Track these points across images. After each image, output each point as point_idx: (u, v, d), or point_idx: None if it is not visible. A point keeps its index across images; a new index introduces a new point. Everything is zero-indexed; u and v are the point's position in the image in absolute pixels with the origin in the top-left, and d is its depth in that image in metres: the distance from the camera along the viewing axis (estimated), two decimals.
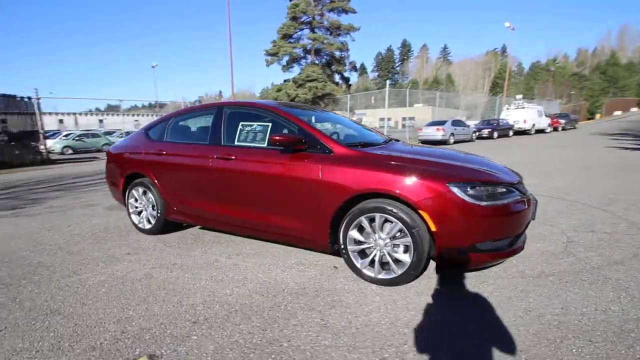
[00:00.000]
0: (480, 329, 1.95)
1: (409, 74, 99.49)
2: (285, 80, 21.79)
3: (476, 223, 2.21)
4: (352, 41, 20.17)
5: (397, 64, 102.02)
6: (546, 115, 24.79)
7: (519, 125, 22.58)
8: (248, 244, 3.40)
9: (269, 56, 20.02)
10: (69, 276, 2.79)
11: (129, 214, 3.92)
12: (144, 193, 3.74)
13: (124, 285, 2.60)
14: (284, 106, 3.17)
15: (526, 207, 2.36)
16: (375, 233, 2.44)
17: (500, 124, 21.89)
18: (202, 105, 3.68)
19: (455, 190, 2.20)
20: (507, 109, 24.14)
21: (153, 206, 3.70)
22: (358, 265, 2.53)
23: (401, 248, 2.40)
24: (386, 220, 2.39)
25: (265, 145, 2.93)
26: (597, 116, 43.68)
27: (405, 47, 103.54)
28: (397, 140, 3.50)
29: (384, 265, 2.49)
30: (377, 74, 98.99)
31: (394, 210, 2.31)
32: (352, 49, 19.61)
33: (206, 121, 3.44)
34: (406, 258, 2.34)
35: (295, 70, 21.52)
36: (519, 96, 25.49)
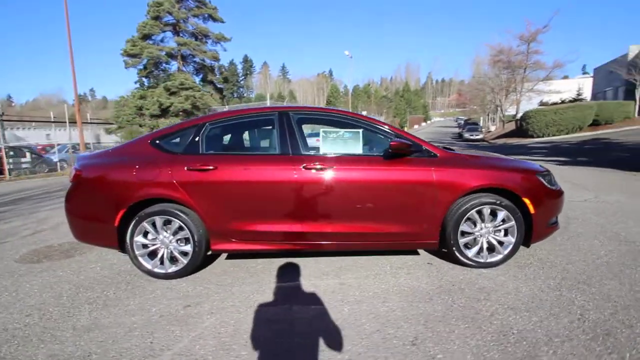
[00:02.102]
0: (592, 275, 2.63)
1: (254, 89, 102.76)
2: (149, 87, 18.48)
3: (552, 203, 2.92)
4: (223, 51, 19.44)
5: (240, 78, 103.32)
6: None
7: None
8: (316, 263, 3.10)
9: (129, 57, 16.43)
10: (161, 355, 1.90)
11: (134, 257, 2.82)
12: (166, 224, 2.81)
13: (281, 336, 2.01)
14: (362, 113, 3.12)
15: None
16: (483, 223, 2.82)
17: None
18: (250, 109, 3.01)
19: (541, 179, 2.85)
20: None
21: (181, 240, 2.83)
22: (470, 255, 2.83)
23: (502, 232, 2.86)
24: (492, 211, 2.81)
25: (360, 152, 2.83)
26: (405, 128, 57.69)
27: (247, 63, 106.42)
28: None
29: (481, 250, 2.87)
30: (222, 86, 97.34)
31: (502, 202, 2.75)
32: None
33: (263, 128, 2.94)
34: (510, 239, 2.83)
35: (156, 76, 18.77)
36: (364, 112, 30.71)
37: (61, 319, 2.32)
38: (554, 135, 19.34)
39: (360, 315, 2.23)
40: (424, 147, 2.84)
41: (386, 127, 2.92)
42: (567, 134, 19.24)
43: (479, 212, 2.81)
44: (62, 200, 2.98)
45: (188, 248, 2.82)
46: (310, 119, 3.01)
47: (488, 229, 2.84)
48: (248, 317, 2.26)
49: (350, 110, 3.14)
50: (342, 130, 2.89)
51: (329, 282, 2.73)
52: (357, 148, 2.84)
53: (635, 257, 2.99)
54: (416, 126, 63.78)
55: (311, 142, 3.07)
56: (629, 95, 28.38)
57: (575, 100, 29.06)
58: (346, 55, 33.72)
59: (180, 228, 2.80)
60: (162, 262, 2.86)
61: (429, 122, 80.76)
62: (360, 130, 2.88)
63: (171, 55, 17.02)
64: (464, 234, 2.84)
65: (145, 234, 2.84)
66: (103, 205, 2.80)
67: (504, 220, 2.82)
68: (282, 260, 3.18)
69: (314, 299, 2.47)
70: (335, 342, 1.95)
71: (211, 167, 2.73)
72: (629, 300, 2.29)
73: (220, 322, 2.21)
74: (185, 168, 2.74)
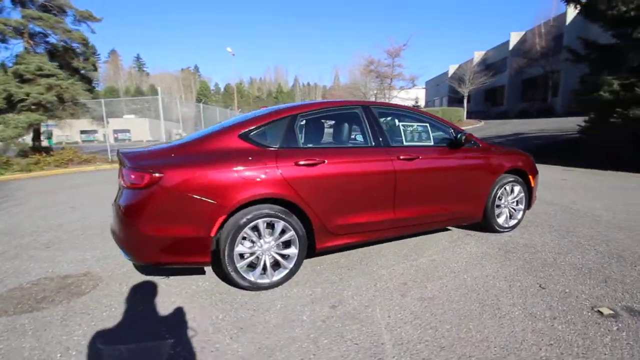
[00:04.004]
0: (568, 226, 3.77)
1: (100, 80, 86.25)
2: None
3: (538, 178, 4.00)
4: (92, 33, 15.67)
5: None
6: None
7: None
8: (388, 248, 3.33)
9: None
10: (383, 347, 1.84)
11: (234, 271, 2.41)
12: (269, 228, 2.52)
13: (453, 309, 2.20)
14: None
15: None
16: (507, 196, 3.65)
17: None
18: (334, 102, 2.83)
19: (532, 159, 3.89)
20: None
21: (281, 244, 2.60)
22: (500, 222, 3.62)
23: (515, 203, 3.77)
24: (512, 187, 3.66)
25: (432, 143, 3.22)
26: None
27: (89, 49, 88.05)
28: None
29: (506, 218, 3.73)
30: (91, 75, 77.34)
31: (518, 179, 3.65)
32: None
33: (347, 121, 2.96)
34: (521, 207, 3.76)
35: None
36: (239, 110, 30.70)
37: (218, 355, 1.87)
38: None
39: (482, 280, 2.65)
40: (471, 138, 3.46)
41: (444, 122, 3.40)
42: None
43: (504, 188, 3.63)
44: None
45: (292, 251, 2.61)
46: (386, 113, 3.20)
47: (509, 201, 3.70)
48: (403, 301, 2.36)
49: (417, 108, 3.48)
50: (415, 124, 3.22)
51: (422, 261, 3.03)
52: (429, 140, 3.23)
53: (570, 213, 4.41)
54: None
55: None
56: (452, 102, 37.85)
57: (415, 106, 36.92)
58: (228, 52, 32.46)
59: (283, 230, 2.57)
60: (263, 271, 2.55)
61: None
62: (427, 124, 3.27)
63: (17, 32, 12.70)
64: (498, 206, 3.61)
65: (243, 242, 2.47)
66: (196, 214, 2.28)
67: (517, 194, 3.72)
68: (359, 251, 3.27)
69: (432, 275, 2.73)
70: (498, 301, 2.32)
71: (322, 161, 2.61)
72: (603, 237, 3.47)
73: (387, 311, 2.25)
74: (294, 163, 2.53)
